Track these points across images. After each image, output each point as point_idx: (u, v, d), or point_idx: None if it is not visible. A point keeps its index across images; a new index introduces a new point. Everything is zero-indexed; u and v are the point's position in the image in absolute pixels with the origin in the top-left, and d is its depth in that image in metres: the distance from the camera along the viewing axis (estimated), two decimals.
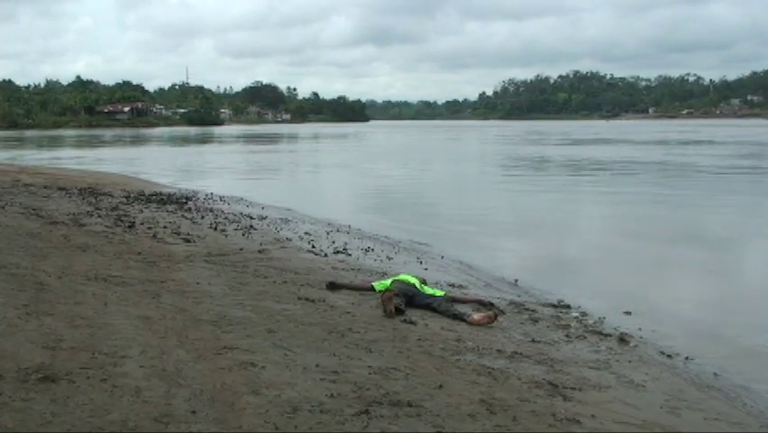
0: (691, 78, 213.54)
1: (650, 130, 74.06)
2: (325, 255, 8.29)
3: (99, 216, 9.80)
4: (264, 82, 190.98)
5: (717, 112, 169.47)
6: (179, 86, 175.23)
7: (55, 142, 52.96)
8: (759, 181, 20.29)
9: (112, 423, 2.73)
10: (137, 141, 58.20)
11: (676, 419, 3.72)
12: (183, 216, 10.86)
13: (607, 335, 5.49)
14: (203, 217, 10.86)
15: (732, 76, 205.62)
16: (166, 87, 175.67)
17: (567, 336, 5.40)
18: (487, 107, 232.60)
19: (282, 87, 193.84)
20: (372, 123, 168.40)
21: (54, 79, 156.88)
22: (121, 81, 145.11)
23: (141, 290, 5.34)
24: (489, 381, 3.96)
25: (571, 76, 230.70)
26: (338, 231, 10.45)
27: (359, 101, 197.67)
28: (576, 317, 5.99)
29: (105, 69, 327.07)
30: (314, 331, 4.59)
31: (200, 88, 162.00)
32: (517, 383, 3.97)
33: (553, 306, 6.34)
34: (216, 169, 26.88)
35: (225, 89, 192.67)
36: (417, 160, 30.78)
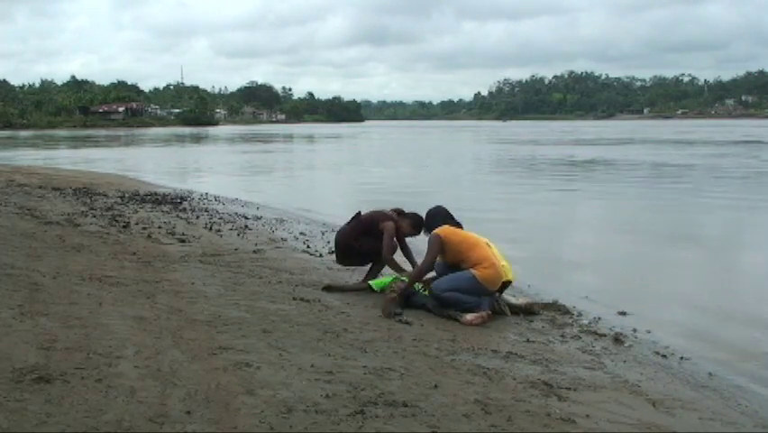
0: (686, 79, 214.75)
1: (668, 131, 73.68)
2: (321, 255, 8.29)
3: (94, 217, 9.79)
4: (259, 82, 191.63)
5: (712, 112, 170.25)
6: (174, 86, 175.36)
7: (50, 142, 52.76)
8: None
9: (106, 423, 2.72)
10: (132, 141, 58.02)
11: (671, 419, 3.73)
12: (178, 216, 10.85)
13: (602, 335, 5.50)
14: (198, 217, 10.84)
15: (727, 76, 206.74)
16: (161, 87, 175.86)
17: (562, 336, 5.41)
18: (482, 108, 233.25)
19: (277, 87, 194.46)
20: (367, 123, 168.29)
21: (49, 79, 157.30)
22: (116, 81, 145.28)
23: (135, 290, 5.33)
24: (485, 381, 3.97)
25: (567, 76, 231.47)
26: (333, 231, 10.39)
27: (354, 101, 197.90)
28: (571, 317, 6.00)
29: (100, 68, 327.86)
30: (309, 331, 4.58)
31: (195, 88, 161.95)
32: (512, 383, 3.98)
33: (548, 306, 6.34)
34: (211, 169, 26.83)
35: (220, 89, 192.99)
36: (428, 162, 30.72)
